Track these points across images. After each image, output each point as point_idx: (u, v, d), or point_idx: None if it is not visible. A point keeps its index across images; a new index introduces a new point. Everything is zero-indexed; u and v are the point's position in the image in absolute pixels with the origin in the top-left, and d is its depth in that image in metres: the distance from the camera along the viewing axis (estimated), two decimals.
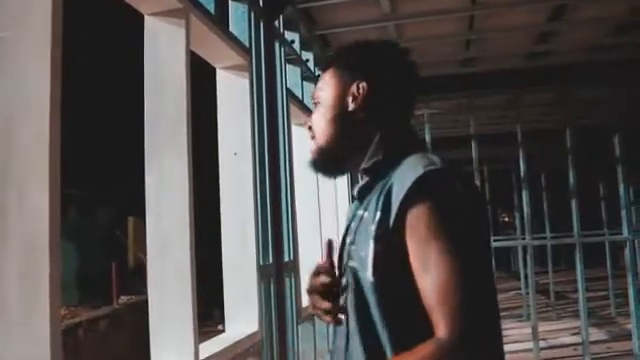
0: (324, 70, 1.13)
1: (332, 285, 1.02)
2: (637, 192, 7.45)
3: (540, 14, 3.95)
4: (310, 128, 1.13)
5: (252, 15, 2.62)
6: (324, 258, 1.06)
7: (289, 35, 3.37)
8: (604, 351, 5.63)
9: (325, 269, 1.04)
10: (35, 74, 1.22)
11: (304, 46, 3.69)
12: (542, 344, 5.50)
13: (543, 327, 6.23)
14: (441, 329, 0.84)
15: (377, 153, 1.03)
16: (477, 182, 5.38)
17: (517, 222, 10.24)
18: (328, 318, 1.03)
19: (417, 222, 0.89)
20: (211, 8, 2.21)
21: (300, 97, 3.51)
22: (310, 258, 3.41)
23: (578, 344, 5.34)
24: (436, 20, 3.89)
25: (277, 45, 3.01)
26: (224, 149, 2.50)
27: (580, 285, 5.13)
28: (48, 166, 1.19)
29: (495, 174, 9.93)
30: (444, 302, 0.85)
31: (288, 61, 3.34)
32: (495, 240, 6.40)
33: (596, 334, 6.30)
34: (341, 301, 1.02)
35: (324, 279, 1.03)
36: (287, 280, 2.84)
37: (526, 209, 5.29)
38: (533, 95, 5.81)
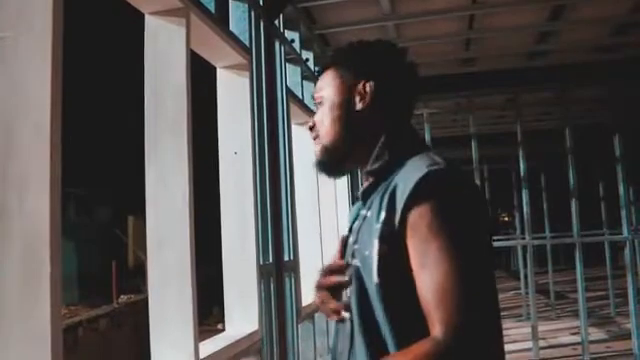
0: (323, 70, 1.13)
1: (345, 285, 1.02)
2: (637, 192, 7.46)
3: (540, 14, 3.95)
4: (312, 128, 1.12)
5: (252, 14, 2.62)
6: (338, 255, 1.06)
7: (289, 34, 3.37)
8: (603, 351, 5.63)
9: (339, 267, 1.04)
10: (36, 73, 1.22)
11: (304, 45, 3.69)
12: (542, 344, 5.50)
13: (543, 327, 6.23)
14: (437, 328, 0.84)
15: (383, 155, 1.03)
16: (477, 182, 5.38)
17: (517, 222, 10.25)
18: (335, 316, 1.03)
19: (419, 221, 0.89)
20: (211, 7, 2.21)
21: (300, 96, 3.51)
22: (310, 257, 3.42)
23: (577, 344, 5.34)
24: (436, 19, 3.89)
25: (277, 44, 3.01)
26: (224, 148, 2.50)
27: (580, 285, 5.14)
28: (49, 166, 1.19)
29: (495, 174, 9.94)
30: (441, 301, 0.85)
31: (288, 60, 3.34)
32: (495, 240, 6.41)
33: (595, 334, 6.30)
34: (344, 298, 1.02)
35: (339, 278, 1.02)
36: (287, 279, 2.85)
37: (526, 209, 5.29)
38: (533, 95, 5.81)
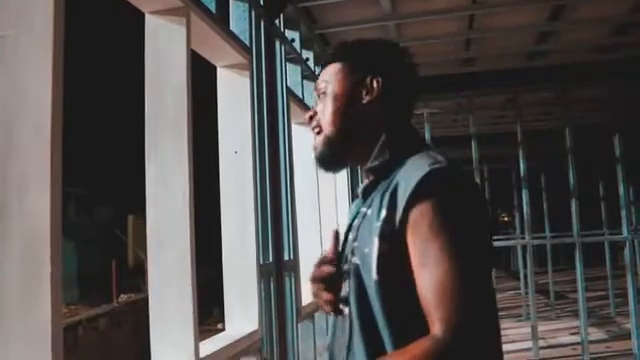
0: (328, 62, 1.13)
1: (336, 276, 1.02)
2: (637, 192, 7.47)
3: (540, 14, 3.95)
4: (311, 118, 1.12)
5: (253, 14, 2.62)
6: (331, 248, 1.06)
7: (289, 34, 3.37)
8: (603, 351, 5.63)
9: (331, 259, 1.04)
10: (36, 73, 1.22)
11: (304, 45, 3.69)
12: (541, 343, 5.50)
13: (542, 327, 6.23)
14: (437, 326, 0.84)
15: (383, 153, 1.04)
16: (477, 181, 5.38)
17: (517, 222, 10.26)
18: (328, 308, 1.03)
19: (420, 220, 0.90)
20: (212, 7, 2.21)
21: (300, 96, 3.51)
22: (310, 256, 3.41)
23: (577, 344, 5.34)
24: (436, 19, 3.89)
25: (277, 44, 3.01)
26: (224, 147, 2.50)
27: (579, 285, 5.14)
28: (49, 166, 1.19)
29: (495, 174, 9.94)
30: (441, 300, 0.85)
31: (288, 60, 3.35)
32: (495, 240, 6.41)
33: (595, 334, 6.30)
34: (343, 292, 1.02)
35: (329, 269, 1.03)
36: (287, 279, 2.85)
37: (526, 209, 5.29)
38: (533, 95, 5.81)
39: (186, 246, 1.82)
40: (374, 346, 0.93)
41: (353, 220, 1.07)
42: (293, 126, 3.23)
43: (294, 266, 2.96)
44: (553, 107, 6.37)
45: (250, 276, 2.40)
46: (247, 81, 2.52)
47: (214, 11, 2.22)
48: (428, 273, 0.87)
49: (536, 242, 5.76)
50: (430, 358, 0.82)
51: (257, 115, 2.60)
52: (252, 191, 2.46)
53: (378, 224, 0.94)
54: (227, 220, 2.46)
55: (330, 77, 1.10)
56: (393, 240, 0.92)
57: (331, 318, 1.08)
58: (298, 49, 3.49)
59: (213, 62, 2.51)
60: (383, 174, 1.02)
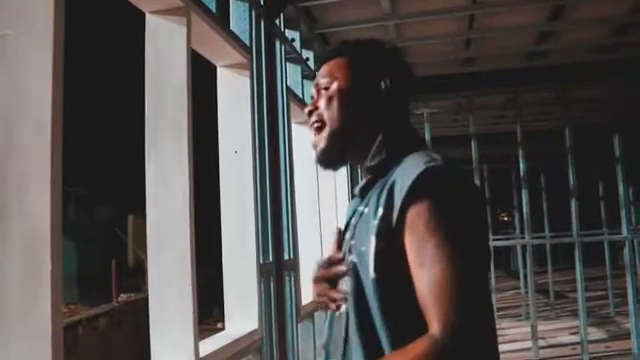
0: (329, 58, 1.13)
1: (343, 275, 1.03)
2: (636, 192, 7.47)
3: (540, 14, 3.95)
4: (311, 112, 1.12)
5: (253, 13, 2.62)
6: (335, 248, 1.06)
7: (290, 33, 3.38)
8: (603, 350, 5.63)
9: (338, 260, 1.04)
10: (36, 72, 1.22)
11: (304, 44, 3.69)
12: (541, 343, 5.51)
13: (542, 326, 6.23)
14: (434, 325, 0.84)
15: (381, 152, 1.04)
16: (477, 181, 5.38)
17: (516, 221, 10.26)
18: (334, 306, 1.04)
19: (417, 218, 0.90)
20: (212, 6, 2.21)
21: (300, 95, 3.51)
22: (310, 256, 3.42)
23: (577, 343, 5.34)
24: (436, 19, 3.89)
25: (278, 43, 3.01)
26: (224, 147, 2.50)
27: (579, 284, 5.14)
28: (49, 165, 1.19)
29: (495, 174, 9.94)
30: (438, 299, 0.84)
31: (288, 59, 3.35)
32: (494, 239, 6.41)
33: (595, 333, 6.30)
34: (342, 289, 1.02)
35: (340, 269, 1.03)
36: (287, 278, 2.85)
37: (525, 208, 5.30)
38: (533, 95, 5.82)
39: (186, 246, 1.82)
40: (371, 344, 0.93)
41: (350, 219, 1.07)
42: (293, 126, 3.23)
43: (294, 266, 2.97)
44: (553, 107, 6.37)
45: (250, 276, 2.41)
46: (247, 81, 2.52)
47: (214, 11, 2.22)
48: (425, 272, 0.87)
49: (536, 242, 5.77)
50: (430, 358, 0.82)
51: (257, 115, 2.60)
52: (252, 191, 2.46)
53: (375, 222, 0.94)
54: (227, 220, 2.46)
55: (336, 71, 1.10)
56: (390, 238, 0.92)
57: (326, 315, 1.08)
58: (298, 49, 3.49)
59: (213, 62, 2.51)
60: (380, 173, 1.02)
